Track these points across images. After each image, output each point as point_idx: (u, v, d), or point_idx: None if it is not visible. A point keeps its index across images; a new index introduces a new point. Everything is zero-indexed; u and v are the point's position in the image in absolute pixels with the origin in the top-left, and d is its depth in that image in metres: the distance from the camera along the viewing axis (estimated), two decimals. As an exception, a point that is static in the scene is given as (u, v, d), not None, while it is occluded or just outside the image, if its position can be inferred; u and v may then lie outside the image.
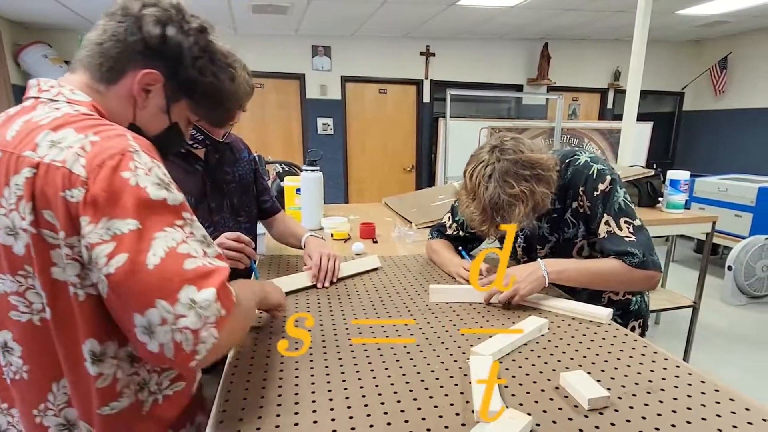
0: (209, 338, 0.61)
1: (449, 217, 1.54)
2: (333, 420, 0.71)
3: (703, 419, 0.72)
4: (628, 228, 1.18)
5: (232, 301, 0.65)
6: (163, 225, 0.62)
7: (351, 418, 0.72)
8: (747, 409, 0.74)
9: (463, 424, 0.70)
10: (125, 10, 0.72)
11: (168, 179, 0.67)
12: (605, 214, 1.20)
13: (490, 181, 1.11)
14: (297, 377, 0.83)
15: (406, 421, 0.71)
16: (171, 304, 0.59)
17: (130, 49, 0.71)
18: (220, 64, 0.79)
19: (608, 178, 1.20)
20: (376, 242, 1.89)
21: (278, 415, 0.72)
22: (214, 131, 1.20)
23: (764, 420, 0.71)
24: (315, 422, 0.71)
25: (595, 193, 1.21)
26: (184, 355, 0.60)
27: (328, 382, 0.81)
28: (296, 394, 0.78)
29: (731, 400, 0.76)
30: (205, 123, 1.13)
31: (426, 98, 6.00)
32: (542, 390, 0.80)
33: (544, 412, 0.74)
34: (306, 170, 2.01)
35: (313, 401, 0.76)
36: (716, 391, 0.79)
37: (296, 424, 0.70)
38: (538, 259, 1.19)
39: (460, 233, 1.50)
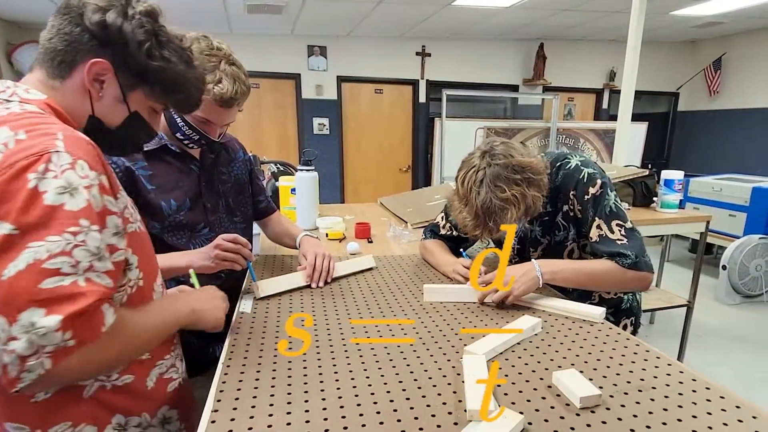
0: (37, 368, 0.56)
1: (443, 217, 1.55)
2: (325, 420, 0.71)
3: (694, 417, 0.72)
4: (620, 231, 1.19)
5: (97, 332, 0.61)
6: (47, 234, 0.59)
7: (343, 417, 0.72)
8: (737, 407, 0.74)
9: (456, 423, 0.71)
10: (68, 1, 0.72)
11: (83, 183, 0.62)
12: (596, 218, 1.21)
13: (482, 186, 1.12)
14: (290, 377, 0.83)
15: (399, 420, 0.71)
16: (9, 324, 0.56)
17: (77, 40, 0.71)
18: (171, 48, 0.77)
19: (599, 181, 1.21)
20: (371, 242, 1.89)
21: (270, 415, 0.72)
22: (210, 131, 1.20)
23: (754, 417, 0.72)
24: (307, 422, 0.71)
25: (586, 196, 1.21)
26: (9, 380, 0.57)
27: (321, 382, 0.81)
28: (288, 393, 0.78)
29: (722, 397, 0.77)
30: (175, 110, 1.12)
31: (422, 98, 6.00)
32: (535, 389, 0.80)
33: (537, 410, 0.74)
34: (301, 170, 2.01)
35: (306, 401, 0.76)
36: (707, 389, 0.80)
37: (288, 424, 0.70)
38: (533, 260, 1.20)
39: (454, 233, 1.51)
